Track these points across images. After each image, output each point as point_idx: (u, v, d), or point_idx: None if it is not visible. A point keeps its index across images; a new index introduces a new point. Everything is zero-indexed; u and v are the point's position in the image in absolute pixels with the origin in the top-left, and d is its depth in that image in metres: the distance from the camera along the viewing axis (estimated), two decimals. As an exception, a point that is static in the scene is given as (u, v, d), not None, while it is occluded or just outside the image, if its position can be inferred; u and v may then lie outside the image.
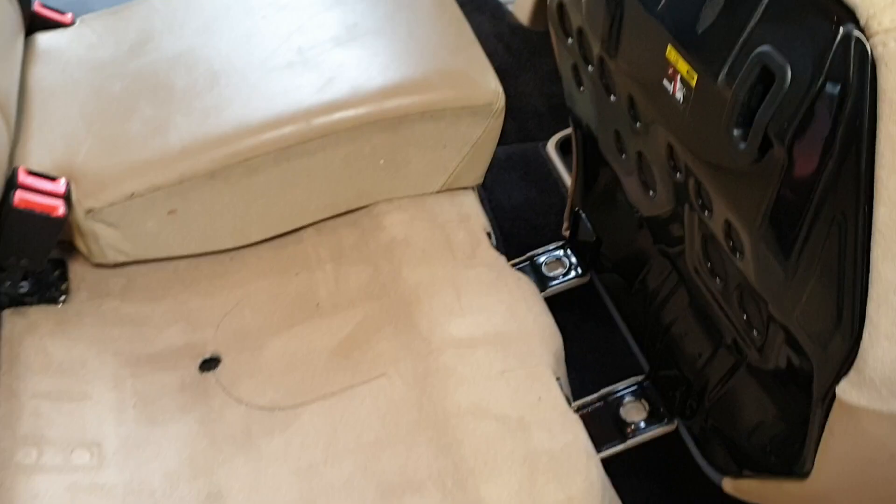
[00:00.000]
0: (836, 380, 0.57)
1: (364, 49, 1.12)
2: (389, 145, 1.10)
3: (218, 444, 0.94)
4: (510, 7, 2.01)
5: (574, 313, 1.15)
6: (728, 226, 0.66)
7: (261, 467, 0.92)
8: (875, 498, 0.68)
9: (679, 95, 0.77)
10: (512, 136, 1.62)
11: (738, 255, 0.66)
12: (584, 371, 1.16)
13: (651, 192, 0.87)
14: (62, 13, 1.26)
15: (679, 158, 0.76)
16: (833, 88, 0.50)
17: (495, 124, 1.13)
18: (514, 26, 1.96)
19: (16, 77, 1.09)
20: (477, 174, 1.18)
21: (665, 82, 0.78)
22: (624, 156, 0.92)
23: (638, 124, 0.84)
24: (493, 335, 0.98)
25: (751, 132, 0.57)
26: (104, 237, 1.04)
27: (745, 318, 0.73)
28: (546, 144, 1.55)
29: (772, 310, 0.65)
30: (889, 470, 0.63)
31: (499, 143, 1.17)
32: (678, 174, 0.75)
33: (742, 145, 0.59)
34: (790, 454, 0.73)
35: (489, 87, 1.11)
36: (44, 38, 1.21)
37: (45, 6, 1.26)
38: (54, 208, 0.98)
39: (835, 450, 0.64)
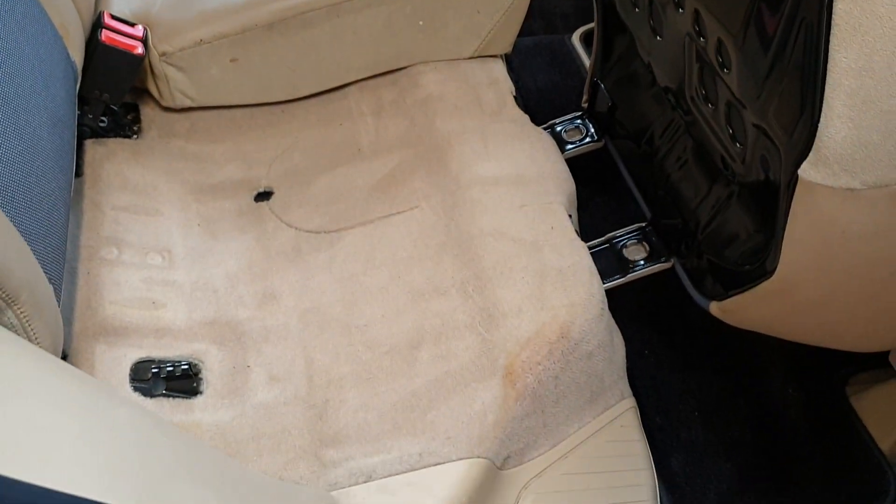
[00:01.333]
0: (799, 161, 0.67)
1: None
2: (428, 7, 1.19)
3: (272, 257, 1.07)
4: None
5: (588, 172, 1.25)
6: (719, 44, 0.76)
7: (308, 275, 1.04)
8: (834, 283, 0.79)
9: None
10: (539, 31, 1.71)
11: (725, 70, 0.76)
12: (594, 218, 1.27)
13: (659, 38, 0.96)
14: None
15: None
16: None
17: (523, -3, 1.23)
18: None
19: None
20: (506, 42, 1.28)
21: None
22: (637, 8, 1.02)
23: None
24: (515, 176, 1.09)
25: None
26: (174, 80, 1.16)
27: (731, 132, 0.83)
28: (571, 36, 1.63)
29: (751, 115, 0.75)
30: (842, 250, 0.73)
31: (527, 35, 1.26)
32: (680, 10, 0.84)
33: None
34: (762, 258, 0.84)
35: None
36: None
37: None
38: (134, 47, 1.10)
39: (796, 238, 0.74)
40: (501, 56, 1.29)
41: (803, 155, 0.68)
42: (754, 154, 0.79)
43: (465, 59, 1.27)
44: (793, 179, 0.70)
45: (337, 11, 1.16)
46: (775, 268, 0.81)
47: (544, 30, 1.69)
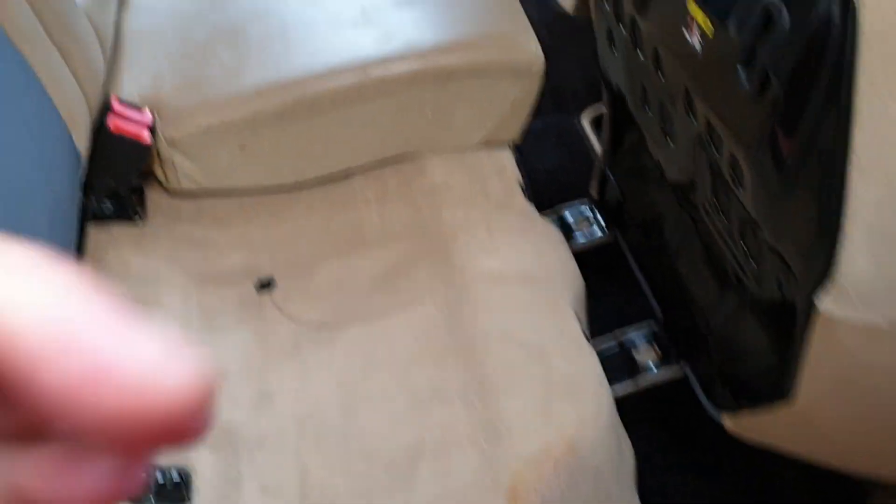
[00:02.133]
0: (816, 289, 0.64)
1: (421, 11, 1.20)
2: (437, 99, 1.18)
3: (270, 352, 1.04)
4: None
5: (596, 267, 1.22)
6: (733, 159, 0.73)
7: (307, 375, 1.01)
8: (854, 413, 0.74)
9: (696, 44, 0.84)
10: (549, 110, 1.69)
11: (739, 187, 0.73)
12: (603, 310, 1.24)
13: (670, 143, 0.94)
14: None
15: (694, 103, 0.83)
16: (821, 29, 0.57)
17: (534, 84, 1.21)
18: (559, 14, 2.02)
19: (112, 18, 1.20)
20: (514, 131, 1.26)
21: (685, 33, 0.85)
22: (648, 109, 1.00)
23: (661, 76, 0.91)
24: (521, 272, 1.06)
25: (753, 71, 0.64)
26: (181, 166, 1.14)
27: (744, 249, 0.80)
28: (580, 118, 1.62)
29: (766, 235, 0.72)
30: (863, 382, 0.69)
31: (536, 115, 1.25)
32: (693, 118, 0.81)
33: (746, 83, 0.66)
34: (779, 379, 0.80)
35: (530, 50, 1.19)
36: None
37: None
38: (142, 136, 1.09)
39: (815, 365, 0.71)
40: (509, 143, 1.27)
41: (821, 285, 0.64)
42: (770, 275, 0.75)
43: (472, 146, 1.25)
44: (810, 308, 0.67)
45: (345, 101, 1.14)
46: (792, 390, 0.76)
47: (553, 108, 1.67)
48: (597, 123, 1.61)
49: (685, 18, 0.80)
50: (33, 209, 0.89)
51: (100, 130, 1.06)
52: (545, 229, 1.13)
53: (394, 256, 1.11)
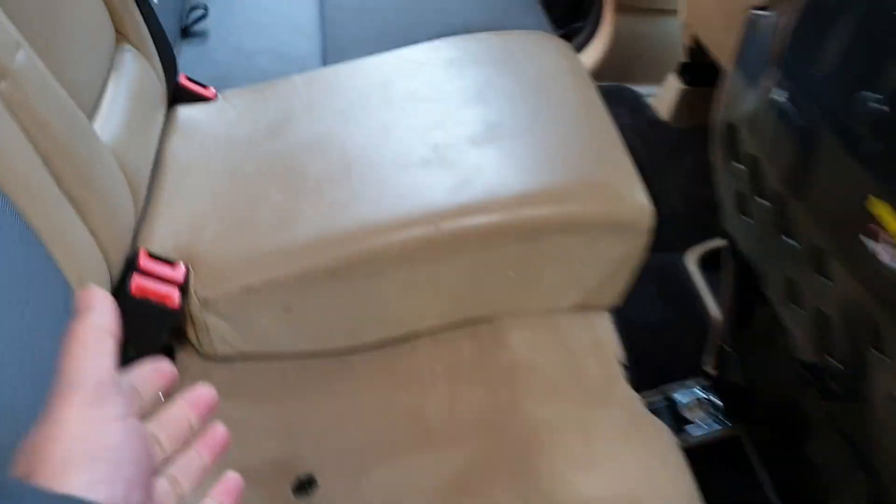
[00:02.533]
0: None
1: (503, 151, 1.01)
2: (522, 257, 0.98)
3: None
4: (650, 100, 1.88)
5: (714, 467, 0.99)
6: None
7: None
8: None
9: (885, 257, 0.63)
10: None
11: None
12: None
13: (829, 357, 0.71)
14: (205, 87, 1.23)
15: (882, 335, 0.60)
16: None
17: (640, 243, 1.00)
18: (654, 121, 1.82)
19: (152, 151, 1.04)
20: (614, 295, 1.05)
21: (864, 238, 0.64)
22: (796, 308, 0.77)
23: (827, 282, 0.69)
24: (624, 498, 0.84)
25: None
26: (215, 329, 0.96)
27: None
28: (685, 256, 1.40)
29: None
30: None
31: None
32: (872, 346, 0.59)
33: None
34: None
35: (636, 203, 0.98)
36: (185, 111, 1.17)
37: (190, 79, 1.22)
38: (170, 298, 0.91)
39: None
40: (607, 308, 1.06)
41: None
42: None
43: (562, 310, 1.04)
44: None
45: (411, 259, 0.95)
46: None
47: (653, 245, 1.45)
48: (706, 264, 1.38)
49: (864, 218, 0.59)
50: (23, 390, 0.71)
51: (119, 292, 0.89)
52: (654, 431, 0.90)
53: (462, 460, 0.89)
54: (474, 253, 0.96)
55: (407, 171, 1.00)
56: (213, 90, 1.22)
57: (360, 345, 1.02)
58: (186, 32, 1.38)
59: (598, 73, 1.93)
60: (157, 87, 1.10)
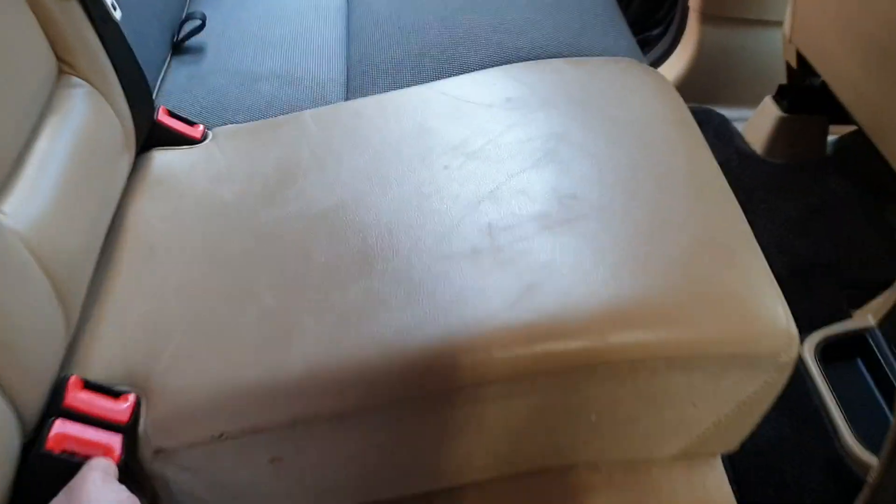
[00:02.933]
0: None
1: (584, 240, 0.72)
2: (610, 398, 0.69)
3: None
4: (741, 128, 1.56)
5: None
6: None
7: None
8: None
9: None
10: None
11: None
12: None
13: None
14: (192, 123, 0.95)
15: None
16: None
17: (778, 379, 0.70)
18: (745, 153, 1.50)
19: (100, 228, 0.77)
20: (732, 440, 0.75)
21: None
22: None
23: None
24: None
25: None
26: (176, 483, 0.69)
27: None
28: (802, 346, 1.09)
29: None
30: None
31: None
32: None
33: None
34: None
35: (776, 325, 0.68)
36: (162, 159, 0.90)
37: (172, 114, 0.95)
38: (109, 450, 0.64)
39: None
40: (720, 456, 0.76)
41: None
42: None
43: (659, 461, 0.74)
44: None
45: (452, 400, 0.67)
46: None
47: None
48: (825, 356, 1.07)
49: None
50: None
51: (31, 451, 0.62)
52: None
53: None
54: (543, 392, 0.67)
55: (449, 265, 0.71)
56: (201, 128, 0.94)
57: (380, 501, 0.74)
58: (179, 47, 1.10)
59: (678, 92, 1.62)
60: (117, 131, 0.82)
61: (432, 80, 0.97)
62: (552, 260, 0.70)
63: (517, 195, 0.76)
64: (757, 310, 0.67)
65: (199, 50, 1.09)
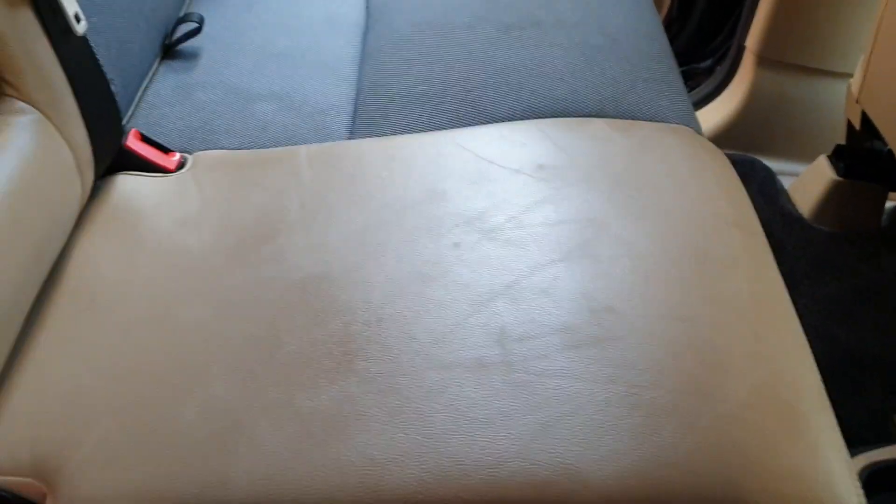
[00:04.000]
0: None
1: (615, 369, 0.57)
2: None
3: None
4: (788, 185, 1.40)
5: None
6: None
7: None
8: None
9: None
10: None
11: None
12: None
13: None
14: (167, 151, 0.81)
15: None
16: None
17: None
18: (790, 215, 1.35)
19: (31, 284, 0.63)
20: None
21: None
22: None
23: None
24: None
25: None
26: None
27: None
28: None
29: None
30: None
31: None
32: None
33: None
34: None
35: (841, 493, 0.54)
36: (126, 188, 0.76)
37: (145, 138, 0.81)
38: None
39: None
40: None
41: None
42: None
43: None
44: None
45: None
46: None
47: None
48: (871, 483, 0.93)
49: None
50: None
51: None
52: None
53: None
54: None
55: (447, 377, 0.57)
56: (177, 157, 0.80)
57: None
58: (170, 51, 0.96)
59: (723, 137, 1.47)
60: (68, 165, 0.68)
61: (452, 124, 0.83)
62: (576, 392, 0.56)
63: (539, 296, 0.62)
64: (821, 492, 0.53)
65: (192, 56, 0.95)
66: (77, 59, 0.69)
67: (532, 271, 0.63)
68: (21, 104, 0.64)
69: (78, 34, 0.69)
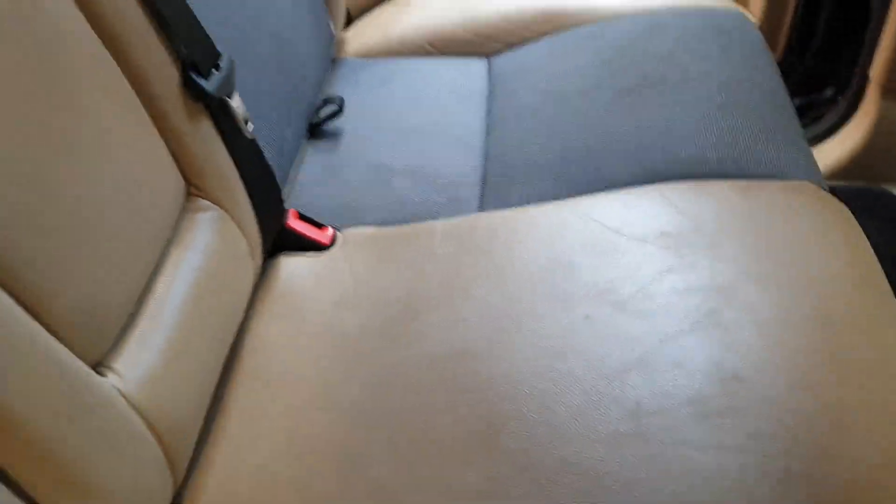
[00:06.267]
0: None
1: (746, 439, 0.59)
2: None
3: None
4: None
5: None
6: None
7: None
8: None
9: None
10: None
11: None
12: None
13: None
14: (320, 226, 0.89)
15: None
16: None
17: None
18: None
19: (214, 374, 0.70)
20: None
21: None
22: None
23: None
24: None
25: None
26: None
27: None
28: None
29: None
30: None
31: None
32: None
33: None
34: None
35: None
36: (288, 269, 0.83)
37: (302, 216, 0.89)
38: None
39: None
40: None
41: None
42: None
43: None
44: None
45: None
46: None
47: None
48: None
49: None
50: None
51: None
52: None
53: None
54: None
55: (584, 449, 0.61)
56: (330, 232, 0.88)
57: None
58: (315, 131, 1.05)
59: (848, 169, 1.43)
60: (243, 251, 0.77)
61: (576, 191, 0.86)
62: (708, 463, 0.58)
63: (671, 368, 0.64)
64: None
65: (334, 136, 1.04)
66: (247, 156, 0.78)
67: (662, 343, 0.66)
68: (204, 202, 0.73)
69: (247, 136, 0.77)
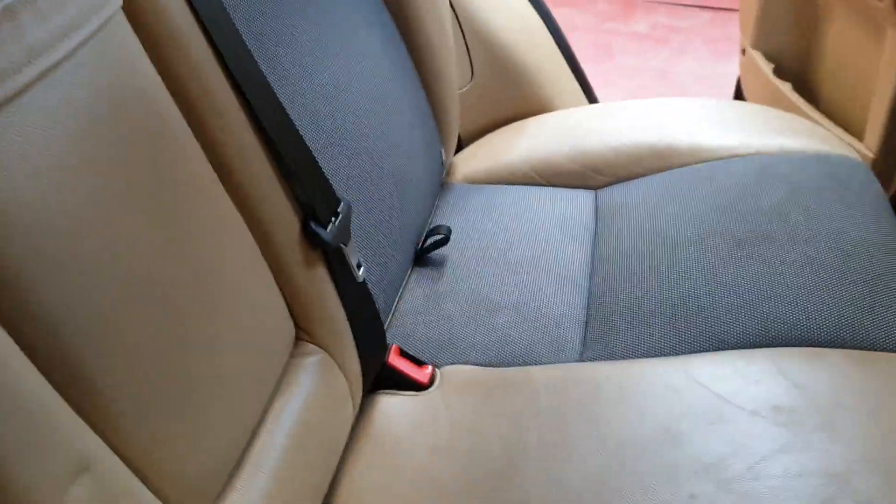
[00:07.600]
0: None
1: None
2: None
3: None
4: None
5: None
6: None
7: None
8: None
9: None
10: None
11: None
12: None
13: None
14: (421, 363, 0.89)
15: None
16: None
17: None
18: None
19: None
20: None
21: None
22: None
23: None
24: None
25: None
26: None
27: None
28: None
29: None
30: None
31: None
32: None
33: None
34: None
35: None
36: (386, 409, 0.84)
37: (402, 352, 0.90)
38: None
39: None
40: None
41: None
42: None
43: None
44: None
45: None
46: None
47: None
48: None
49: None
50: None
51: None
52: None
53: None
54: None
55: None
56: (429, 370, 0.88)
57: None
58: (421, 258, 1.06)
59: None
60: (343, 393, 0.78)
61: (681, 346, 0.84)
62: None
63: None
64: None
65: (439, 264, 1.05)
66: (356, 300, 0.80)
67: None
68: (311, 346, 0.75)
69: (358, 281, 0.79)
